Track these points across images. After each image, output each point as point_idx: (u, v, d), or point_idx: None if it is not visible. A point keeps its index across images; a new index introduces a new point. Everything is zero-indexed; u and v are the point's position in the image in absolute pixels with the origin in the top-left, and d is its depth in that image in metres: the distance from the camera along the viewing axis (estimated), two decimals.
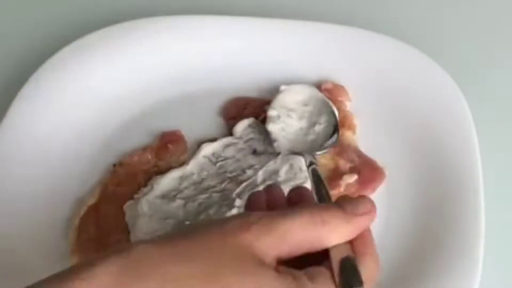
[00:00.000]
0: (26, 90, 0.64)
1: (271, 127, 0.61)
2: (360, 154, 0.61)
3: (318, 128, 0.61)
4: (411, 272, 0.55)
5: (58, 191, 0.60)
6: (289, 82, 0.66)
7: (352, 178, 0.60)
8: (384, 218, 0.58)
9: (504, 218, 0.60)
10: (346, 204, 0.43)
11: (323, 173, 0.53)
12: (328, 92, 0.64)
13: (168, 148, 0.62)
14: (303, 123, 0.61)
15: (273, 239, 0.40)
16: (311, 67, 0.66)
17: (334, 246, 0.41)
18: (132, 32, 0.68)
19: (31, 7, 0.76)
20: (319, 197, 0.48)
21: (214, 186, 0.59)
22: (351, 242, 0.42)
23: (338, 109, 0.63)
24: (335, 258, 0.41)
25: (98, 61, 0.66)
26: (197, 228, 0.42)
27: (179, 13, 0.69)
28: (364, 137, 0.63)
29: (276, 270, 0.40)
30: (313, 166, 0.54)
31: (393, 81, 0.65)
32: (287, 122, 0.61)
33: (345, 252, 0.41)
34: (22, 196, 0.59)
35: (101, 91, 0.66)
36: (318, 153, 0.59)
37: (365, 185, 0.60)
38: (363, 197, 0.44)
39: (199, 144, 0.62)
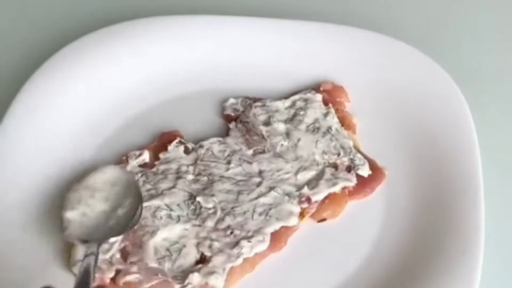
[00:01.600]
0: (26, 90, 0.64)
1: (69, 214, 0.55)
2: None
3: (121, 211, 0.55)
4: (411, 272, 0.55)
5: (57, 191, 0.60)
6: (288, 82, 0.66)
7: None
8: (384, 218, 0.59)
9: (504, 218, 0.60)
10: None
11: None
12: (327, 93, 0.64)
13: (168, 148, 0.62)
14: (107, 206, 0.55)
15: None
16: (311, 67, 0.66)
17: None
18: (132, 32, 0.68)
19: (31, 7, 0.76)
20: None
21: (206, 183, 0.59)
22: None
23: (337, 109, 0.63)
24: None
25: (98, 61, 0.66)
26: None
27: (178, 13, 0.69)
28: (364, 137, 0.63)
29: None
30: (90, 257, 0.48)
31: (393, 81, 0.65)
32: (89, 204, 0.55)
33: None
34: (21, 196, 0.59)
35: (101, 91, 0.66)
36: (111, 240, 0.55)
37: (364, 185, 0.60)
38: None
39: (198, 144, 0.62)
